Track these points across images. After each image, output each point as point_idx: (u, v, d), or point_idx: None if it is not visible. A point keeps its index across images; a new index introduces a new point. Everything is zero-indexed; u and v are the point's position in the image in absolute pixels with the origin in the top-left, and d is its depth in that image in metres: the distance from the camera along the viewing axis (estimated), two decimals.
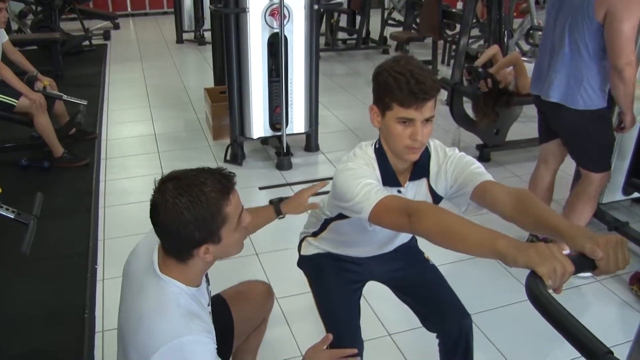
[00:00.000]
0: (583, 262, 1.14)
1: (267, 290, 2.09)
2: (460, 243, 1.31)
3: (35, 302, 2.87)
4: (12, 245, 2.54)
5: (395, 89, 1.54)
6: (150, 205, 1.41)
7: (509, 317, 2.75)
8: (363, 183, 1.57)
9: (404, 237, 1.94)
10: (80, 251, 3.26)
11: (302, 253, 2.09)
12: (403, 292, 2.06)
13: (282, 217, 2.03)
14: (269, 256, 3.22)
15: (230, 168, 4.29)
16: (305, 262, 2.08)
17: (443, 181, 1.73)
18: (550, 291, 1.08)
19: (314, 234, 2.03)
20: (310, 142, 4.75)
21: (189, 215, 1.35)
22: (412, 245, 2.07)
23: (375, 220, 1.53)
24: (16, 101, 4.11)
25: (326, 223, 1.95)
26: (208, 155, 4.66)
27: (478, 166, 1.67)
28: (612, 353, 0.92)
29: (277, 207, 2.01)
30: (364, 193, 1.55)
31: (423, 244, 1.99)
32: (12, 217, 2.58)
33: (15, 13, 8.49)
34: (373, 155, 1.72)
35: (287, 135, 4.42)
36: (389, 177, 1.71)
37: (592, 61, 2.67)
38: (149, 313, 1.40)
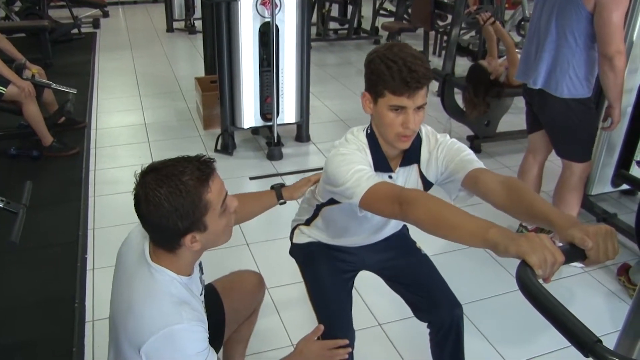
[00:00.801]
0: (573, 252, 1.15)
1: (258, 281, 2.09)
2: (452, 232, 1.31)
3: (24, 291, 2.86)
4: (1, 234, 2.52)
5: (388, 77, 1.54)
6: (134, 198, 1.40)
7: (499, 307, 2.77)
8: (355, 169, 1.57)
9: (394, 225, 1.94)
10: (70, 240, 3.25)
11: (294, 241, 2.08)
12: (395, 281, 2.06)
13: (283, 203, 2.02)
14: (260, 246, 3.22)
15: (221, 158, 4.33)
16: (297, 251, 2.08)
17: (434, 167, 1.73)
18: (540, 281, 1.08)
19: (307, 222, 2.02)
20: (301, 132, 4.74)
21: (169, 206, 1.34)
22: (403, 234, 2.08)
23: (366, 206, 1.53)
24: (4, 89, 4.07)
25: (318, 209, 1.94)
26: (198, 144, 4.64)
27: (469, 153, 1.67)
28: (601, 342, 0.92)
29: (279, 192, 2.01)
30: (356, 179, 1.54)
31: (414, 233, 2.00)
32: (1, 206, 2.55)
33: (2, 0, 8.39)
34: (365, 140, 1.72)
35: (278, 125, 4.41)
36: (381, 163, 1.71)
37: (579, 49, 2.68)
38: (140, 301, 1.40)
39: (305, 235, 2.03)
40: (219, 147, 4.49)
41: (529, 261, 1.10)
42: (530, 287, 1.05)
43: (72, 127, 4.82)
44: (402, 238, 2.07)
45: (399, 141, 1.64)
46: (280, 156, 4.39)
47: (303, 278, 2.04)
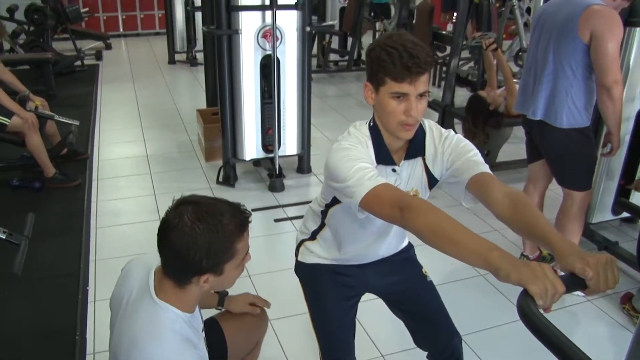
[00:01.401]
0: (574, 282, 1.16)
1: (261, 315, 2.08)
2: (452, 248, 1.29)
3: (25, 323, 2.85)
4: (3, 265, 2.53)
5: (389, 63, 1.52)
6: (163, 223, 1.41)
7: (502, 336, 2.75)
8: (356, 167, 1.53)
9: (399, 231, 1.87)
10: (71, 272, 3.24)
11: (299, 259, 2.00)
12: (398, 307, 2.02)
13: (219, 309, 2.03)
14: (262, 277, 3.21)
15: (223, 190, 4.34)
16: (301, 270, 2.01)
17: (439, 162, 1.69)
18: (541, 310, 1.09)
19: (313, 235, 1.94)
20: (303, 164, 4.76)
21: (203, 242, 1.36)
22: (411, 257, 2.03)
23: (366, 207, 1.50)
24: (8, 120, 4.11)
25: (324, 214, 1.86)
26: (200, 176, 4.66)
27: (475, 153, 1.64)
28: None
29: (222, 299, 2.02)
30: (357, 178, 1.51)
31: (420, 256, 2.01)
32: (4, 237, 2.57)
33: (7, 33, 8.51)
34: (367, 133, 1.68)
35: (280, 157, 4.44)
36: (383, 156, 1.67)
37: (577, 80, 2.72)
38: (144, 337, 1.40)
39: (311, 253, 1.96)
40: (220, 179, 4.50)
41: (530, 290, 1.10)
42: (532, 316, 1.05)
43: (75, 158, 4.85)
44: (409, 262, 2.03)
45: (402, 130, 1.60)
46: (281, 188, 4.41)
47: (305, 299, 1.99)
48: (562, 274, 1.19)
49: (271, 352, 2.58)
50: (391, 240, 1.90)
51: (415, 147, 1.70)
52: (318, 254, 1.95)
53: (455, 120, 4.60)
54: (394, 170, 1.69)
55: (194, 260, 1.37)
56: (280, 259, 2.94)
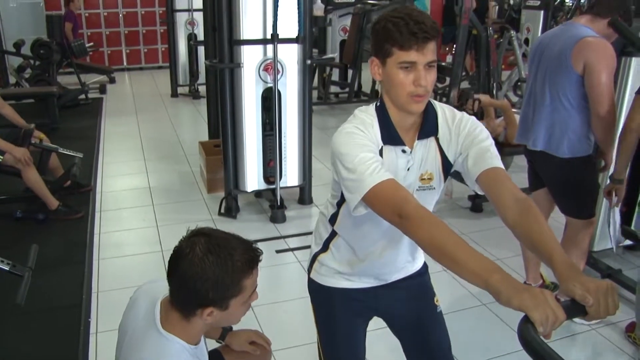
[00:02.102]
0: (574, 308, 1.17)
1: (264, 347, 2.06)
2: (453, 265, 1.28)
3: (27, 354, 2.84)
4: (6, 296, 2.53)
5: (395, 32, 1.47)
6: (175, 251, 1.43)
7: None
8: (359, 157, 1.49)
9: None
10: (73, 303, 3.24)
11: (311, 276, 1.91)
12: (401, 335, 1.95)
13: (220, 342, 2.01)
14: (265, 309, 3.20)
15: (225, 221, 4.36)
16: (314, 290, 1.92)
17: (454, 144, 1.62)
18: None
19: (325, 245, 1.84)
20: (304, 195, 4.78)
21: (212, 274, 1.37)
22: (425, 283, 1.94)
23: (368, 204, 1.48)
24: (1, 157, 4.13)
25: (336, 213, 1.77)
26: (202, 208, 4.68)
27: (491, 143, 1.58)
28: None
29: (224, 333, 2.01)
30: (359, 173, 1.47)
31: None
32: (7, 269, 2.58)
33: (13, 67, 8.63)
34: (373, 112, 1.62)
35: (281, 188, 4.46)
36: (391, 135, 1.60)
37: (575, 111, 2.75)
38: None
39: (325, 269, 1.86)
40: (222, 210, 4.52)
41: (531, 317, 1.11)
42: (533, 343, 1.06)
43: (78, 190, 4.87)
44: (423, 288, 1.93)
45: (412, 102, 1.53)
46: (283, 219, 4.42)
47: (315, 322, 1.94)
48: (563, 299, 1.20)
49: None
50: (406, 245, 1.80)
51: (428, 126, 1.63)
52: (332, 267, 1.84)
53: None
54: (403, 151, 1.62)
55: (200, 291, 1.38)
56: (282, 290, 2.93)
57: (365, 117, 1.61)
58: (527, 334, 1.08)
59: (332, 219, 1.79)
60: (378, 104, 1.63)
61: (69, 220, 4.35)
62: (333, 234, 1.82)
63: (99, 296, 3.34)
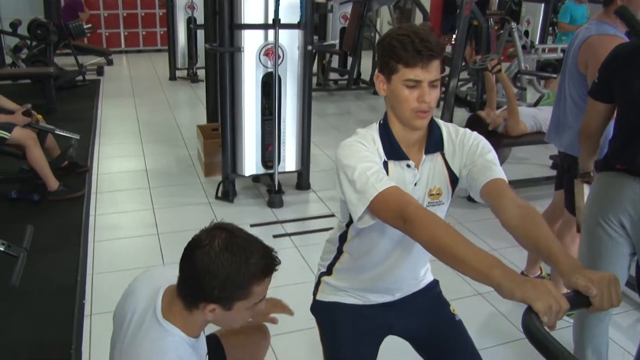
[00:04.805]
0: (577, 299, 1.16)
1: (262, 331, 2.05)
2: (455, 263, 1.29)
3: (21, 335, 2.83)
4: (0, 278, 2.52)
5: (400, 49, 1.51)
6: (193, 239, 1.40)
7: None
8: (360, 168, 1.51)
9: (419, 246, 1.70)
10: (68, 285, 3.23)
11: (317, 297, 1.90)
12: (424, 350, 1.91)
13: None
14: None
15: (222, 205, 4.35)
16: (320, 310, 1.91)
17: (458, 158, 1.65)
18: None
19: (329, 269, 1.86)
20: (302, 181, 4.77)
21: (223, 272, 1.35)
22: (436, 296, 1.94)
23: (374, 213, 1.49)
24: (8, 134, 4.11)
25: (345, 234, 1.79)
26: (199, 191, 4.66)
27: (494, 156, 1.61)
28: None
29: None
30: (360, 184, 1.49)
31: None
32: (2, 249, 2.56)
33: (10, 47, 8.56)
34: (376, 128, 1.66)
35: (279, 173, 4.44)
36: (394, 150, 1.63)
37: None
38: (147, 359, 1.39)
39: (331, 289, 1.86)
40: (219, 194, 4.50)
41: (534, 307, 1.10)
42: (537, 333, 1.05)
43: (75, 170, 4.84)
44: (435, 300, 1.92)
45: (416, 118, 1.56)
46: (280, 204, 4.41)
47: (321, 341, 1.89)
48: (565, 291, 1.19)
49: None
50: (414, 261, 1.80)
51: (434, 141, 1.66)
52: (338, 286, 1.85)
53: None
54: (408, 166, 1.64)
55: (208, 285, 1.36)
56: (279, 275, 2.89)
57: (367, 133, 1.65)
58: (531, 324, 1.07)
59: (342, 238, 1.81)
60: (381, 121, 1.67)
61: (66, 200, 4.33)
62: (337, 257, 1.83)
63: (94, 278, 3.33)
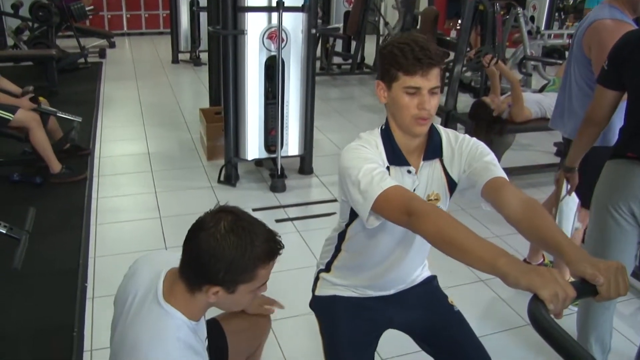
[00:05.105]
0: (584, 288, 1.15)
1: (264, 315, 2.04)
2: (460, 254, 1.29)
3: (23, 318, 2.83)
4: (2, 260, 2.51)
5: (400, 57, 1.54)
6: (197, 221, 1.39)
7: None
8: (364, 169, 1.53)
9: (419, 244, 1.76)
10: (70, 268, 3.23)
11: (316, 293, 1.94)
12: (425, 341, 1.92)
13: None
14: None
15: (224, 189, 4.33)
16: (319, 304, 1.94)
17: (457, 164, 1.68)
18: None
19: (328, 266, 1.90)
20: (305, 165, 4.75)
21: (228, 255, 1.34)
22: (434, 289, 1.97)
23: (378, 211, 1.50)
24: (12, 116, 4.10)
25: (344, 233, 1.82)
26: (202, 175, 4.65)
27: (493, 158, 1.64)
28: None
29: None
30: (365, 183, 1.51)
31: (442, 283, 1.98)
32: (4, 232, 2.56)
33: (11, 29, 8.51)
34: (378, 134, 1.69)
35: (282, 157, 4.43)
36: (396, 156, 1.66)
37: None
38: (147, 342, 1.38)
39: (329, 284, 1.91)
40: (222, 178, 4.49)
41: (540, 295, 1.09)
42: (543, 321, 1.04)
43: (77, 153, 4.83)
44: (433, 294, 1.95)
45: (416, 125, 1.59)
46: (283, 188, 4.40)
47: (320, 332, 1.90)
48: (572, 279, 1.18)
49: (270, 353, 2.56)
50: (411, 261, 1.84)
51: (433, 147, 1.69)
52: (336, 282, 1.89)
53: (458, 126, 4.58)
54: (409, 172, 1.67)
55: (213, 268, 1.35)
56: (281, 259, 2.89)
57: (370, 138, 1.68)
58: (537, 312, 1.06)
59: (341, 237, 1.84)
60: (383, 127, 1.70)
61: (68, 183, 4.32)
62: (335, 255, 1.87)
63: (96, 261, 3.32)
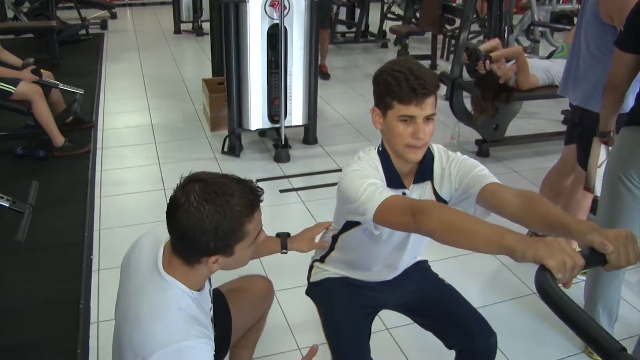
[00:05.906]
0: (593, 257, 1.12)
1: (267, 286, 2.05)
2: (467, 240, 1.30)
3: (29, 292, 2.84)
4: (6, 234, 2.51)
5: (395, 86, 1.55)
6: (170, 201, 1.36)
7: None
8: (367, 183, 1.56)
9: (411, 250, 1.86)
10: (75, 241, 3.23)
11: (311, 280, 2.01)
12: (422, 315, 1.97)
13: (285, 252, 1.98)
14: None
15: (228, 159, 4.31)
16: (314, 289, 2.00)
17: (447, 184, 1.71)
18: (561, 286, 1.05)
19: (322, 258, 1.97)
20: (309, 135, 4.72)
21: (210, 224, 1.31)
22: (425, 268, 2.04)
23: (380, 220, 1.51)
24: (14, 88, 4.06)
25: (333, 241, 1.90)
26: (205, 146, 4.62)
27: (482, 168, 1.65)
28: (625, 350, 0.89)
29: (284, 242, 1.96)
30: (369, 193, 1.53)
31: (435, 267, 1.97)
32: (7, 205, 2.54)
33: (11, 1, 8.41)
34: (377, 157, 1.71)
35: (286, 127, 4.39)
36: (394, 179, 1.69)
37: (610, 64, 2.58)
38: (148, 313, 1.37)
39: (323, 271, 1.97)
40: (225, 149, 4.47)
41: (547, 265, 1.07)
42: (550, 292, 1.02)
43: (80, 126, 4.81)
44: (424, 272, 2.03)
45: (409, 152, 1.62)
46: (287, 158, 4.37)
47: (318, 311, 1.94)
48: (580, 250, 1.15)
49: (275, 323, 2.57)
50: (405, 260, 1.90)
51: (424, 171, 1.72)
52: (330, 270, 1.96)
53: (464, 94, 4.52)
54: (404, 194, 1.70)
55: (201, 242, 1.32)
56: (285, 229, 2.87)
57: (370, 161, 1.70)
58: (544, 282, 1.04)
59: (334, 238, 1.90)
60: (380, 149, 1.72)
61: (73, 155, 4.31)
62: (331, 250, 1.93)
63: (101, 233, 3.33)
